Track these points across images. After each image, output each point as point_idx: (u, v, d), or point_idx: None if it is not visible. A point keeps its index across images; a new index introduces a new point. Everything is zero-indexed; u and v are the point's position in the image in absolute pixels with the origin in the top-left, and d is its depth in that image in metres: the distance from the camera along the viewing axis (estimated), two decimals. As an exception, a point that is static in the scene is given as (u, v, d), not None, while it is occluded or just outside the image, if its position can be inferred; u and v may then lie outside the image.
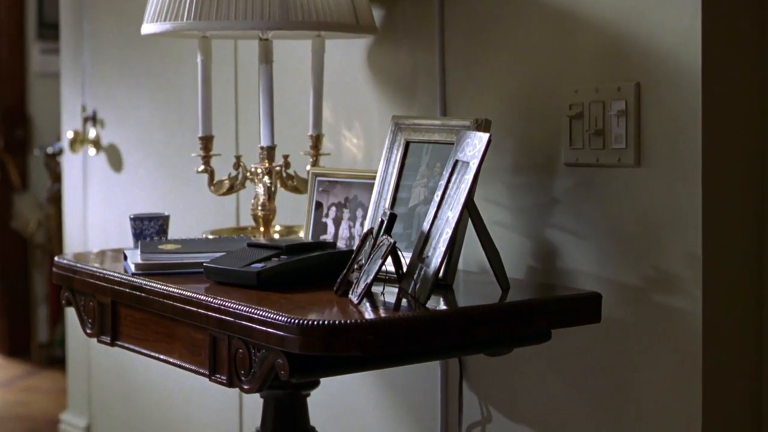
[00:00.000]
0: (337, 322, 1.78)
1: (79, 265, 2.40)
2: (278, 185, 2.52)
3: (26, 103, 6.25)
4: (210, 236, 2.53)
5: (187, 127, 3.25)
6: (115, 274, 2.27)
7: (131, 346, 2.27)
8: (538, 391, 2.25)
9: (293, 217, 2.74)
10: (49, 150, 5.71)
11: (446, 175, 2.06)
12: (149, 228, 2.47)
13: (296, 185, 2.57)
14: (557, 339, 2.12)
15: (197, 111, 2.48)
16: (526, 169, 2.26)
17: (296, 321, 1.80)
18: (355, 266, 2.05)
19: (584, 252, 2.14)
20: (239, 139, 3.08)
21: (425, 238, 2.04)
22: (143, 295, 2.16)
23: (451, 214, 1.96)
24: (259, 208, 2.53)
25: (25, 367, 5.96)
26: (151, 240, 2.41)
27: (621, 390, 2.09)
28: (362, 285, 1.92)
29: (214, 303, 1.98)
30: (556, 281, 2.19)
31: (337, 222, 2.40)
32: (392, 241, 1.92)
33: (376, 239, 2.05)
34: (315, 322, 1.78)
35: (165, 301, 2.10)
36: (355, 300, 1.92)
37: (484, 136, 1.96)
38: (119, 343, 2.32)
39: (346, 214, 2.39)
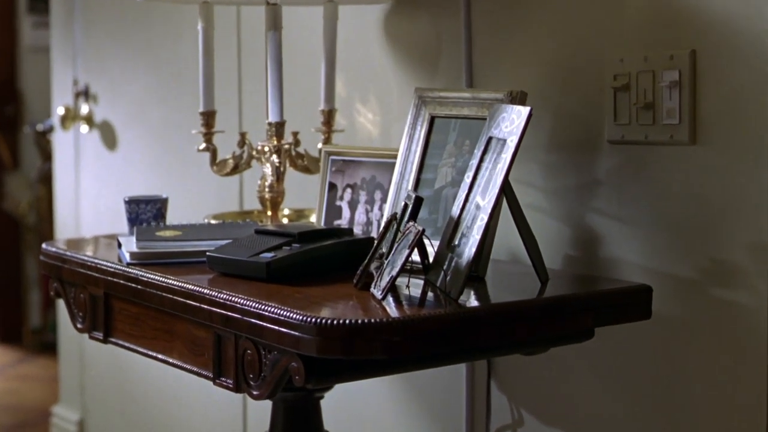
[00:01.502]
0: (359, 321, 1.59)
1: (68, 253, 2.20)
2: (287, 165, 2.31)
3: (17, 79, 6.08)
4: (213, 221, 2.33)
5: (186, 101, 3.09)
6: (108, 264, 2.08)
7: (126, 344, 2.08)
8: (576, 393, 2.06)
9: (303, 200, 2.55)
10: (39, 127, 5.52)
11: (478, 153, 1.86)
12: (146, 212, 2.28)
13: (307, 165, 2.38)
14: (599, 336, 1.92)
15: (197, 84, 2.33)
16: (564, 147, 2.06)
17: (313, 320, 1.60)
18: (377, 256, 1.85)
19: (630, 240, 1.95)
20: (243, 114, 2.91)
21: (455, 225, 1.84)
22: (139, 287, 1.98)
23: (486, 198, 1.75)
24: (267, 189, 2.34)
25: (17, 354, 5.80)
26: (148, 225, 2.21)
27: (672, 395, 1.89)
28: (387, 278, 1.72)
29: (219, 298, 1.78)
30: (598, 272, 2.00)
31: (352, 205, 2.21)
32: (420, 228, 1.72)
33: (399, 225, 1.85)
34: (334, 322, 1.59)
35: (163, 294, 1.91)
36: (378, 295, 1.72)
37: (524, 110, 1.75)
38: (113, 339, 2.13)
39: (362, 196, 2.20)
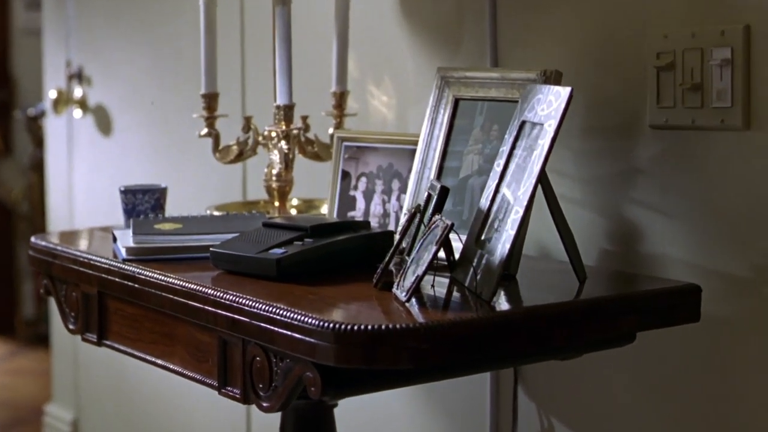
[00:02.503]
0: (382, 327, 1.43)
1: (59, 247, 2.06)
2: (296, 152, 2.16)
3: (9, 63, 5.95)
4: (216, 213, 2.18)
5: (186, 84, 2.96)
6: (102, 260, 1.93)
7: (122, 347, 1.94)
8: (613, 401, 1.90)
9: (311, 189, 2.41)
10: (31, 112, 5.36)
11: (509, 139, 1.70)
12: (143, 202, 2.15)
13: (317, 151, 2.23)
14: (640, 339, 1.77)
15: (198, 65, 2.21)
16: (600, 132, 1.90)
17: (330, 325, 1.45)
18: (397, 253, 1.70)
19: (674, 234, 1.80)
20: (246, 98, 2.77)
21: (484, 218, 1.68)
22: (136, 286, 1.83)
23: (521, 188, 1.59)
24: (274, 178, 2.19)
25: (10, 346, 5.66)
26: (146, 217, 2.07)
27: (722, 407, 1.74)
28: (411, 278, 1.56)
29: (225, 299, 1.63)
30: (638, 270, 1.85)
31: (367, 195, 2.05)
32: (449, 222, 1.56)
33: (422, 218, 1.69)
34: (355, 327, 1.44)
35: (163, 294, 1.77)
36: (402, 297, 1.56)
37: (563, 91, 1.59)
38: (107, 342, 1.99)
39: (378, 185, 2.04)
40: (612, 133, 1.89)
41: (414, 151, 1.97)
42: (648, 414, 1.86)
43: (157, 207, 2.16)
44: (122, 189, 2.17)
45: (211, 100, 2.21)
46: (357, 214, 2.07)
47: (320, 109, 2.30)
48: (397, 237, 1.88)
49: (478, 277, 1.61)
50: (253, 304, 1.58)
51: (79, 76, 3.56)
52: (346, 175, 2.10)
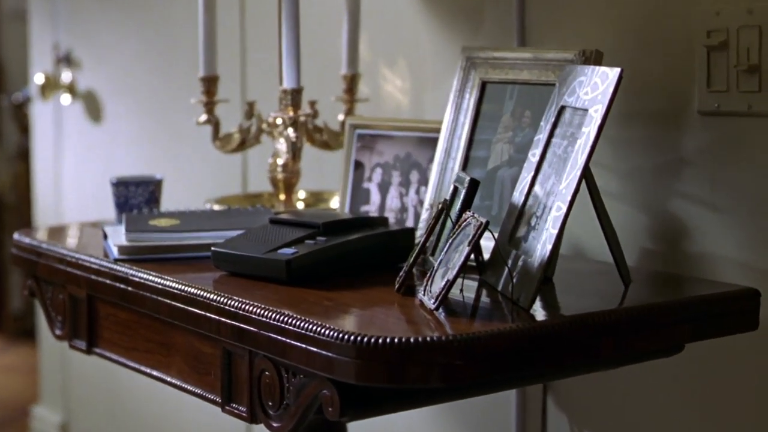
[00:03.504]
0: (412, 340, 1.27)
1: (44, 245, 1.90)
2: (303, 140, 2.01)
3: (-4, 47, 5.77)
4: (216, 207, 2.02)
5: (182, 67, 2.85)
6: (92, 260, 1.79)
7: (114, 356, 1.80)
8: (656, 414, 1.75)
9: (319, 181, 2.27)
10: (17, 98, 5.20)
11: (546, 127, 1.54)
12: (136, 196, 2.01)
13: (326, 140, 2.07)
14: (687, 347, 1.61)
15: (195, 46, 2.08)
16: (642, 119, 1.74)
17: (351, 338, 1.29)
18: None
19: (725, 232, 1.65)
20: (246, 82, 2.62)
21: (518, 214, 1.52)
22: (129, 289, 1.68)
23: (563, 181, 1.43)
24: (279, 169, 2.03)
25: (-4, 342, 5.49)
26: (140, 212, 1.92)
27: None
28: (441, 282, 1.40)
29: (229, 305, 1.47)
30: (684, 271, 1.70)
31: (383, 188, 1.90)
32: (483, 220, 1.40)
33: (447, 214, 1.53)
34: (380, 341, 1.27)
35: (159, 298, 1.62)
36: (430, 304, 1.40)
37: (612, 72, 1.43)
38: (98, 350, 1.85)
39: (395, 177, 1.88)
40: (655, 120, 1.73)
41: (435, 140, 1.82)
42: (695, 427, 1.70)
43: (152, 200, 2.02)
44: (114, 181, 2.02)
45: (210, 84, 2.08)
46: (371, 208, 1.92)
47: (329, 94, 2.14)
48: (419, 235, 1.73)
49: (514, 280, 1.45)
50: (262, 311, 1.43)
51: (67, 60, 3.46)
52: (359, 165, 1.95)
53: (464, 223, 1.45)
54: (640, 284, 1.60)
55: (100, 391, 3.36)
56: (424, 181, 1.85)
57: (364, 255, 1.63)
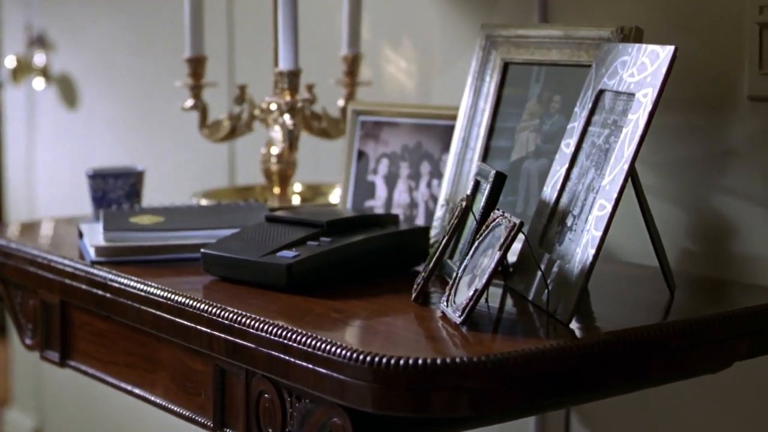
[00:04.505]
0: (439, 361, 1.10)
1: (13, 245, 1.74)
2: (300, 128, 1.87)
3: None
4: (204, 202, 1.86)
5: (164, 47, 2.72)
6: (66, 262, 1.64)
7: (90, 370, 1.64)
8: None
9: (315, 173, 2.13)
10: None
11: (583, 113, 1.38)
12: (115, 189, 1.86)
13: (325, 127, 1.91)
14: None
15: (179, 25, 1.95)
16: (682, 105, 1.60)
17: (369, 358, 1.12)
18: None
19: (779, 231, 1.48)
20: (235, 62, 2.48)
21: (550, 213, 1.36)
22: (108, 295, 1.53)
23: (607, 176, 1.27)
24: (274, 160, 1.88)
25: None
26: (119, 208, 1.77)
27: None
28: (468, 291, 1.23)
29: (223, 317, 1.31)
30: (730, 275, 1.55)
31: (390, 181, 1.74)
32: (516, 221, 1.23)
33: (466, 211, 1.36)
34: (401, 362, 1.10)
35: (142, 307, 1.46)
36: (456, 317, 1.23)
37: (663, 51, 1.27)
38: (72, 363, 1.69)
39: (404, 169, 1.72)
40: (698, 106, 1.58)
41: (448, 128, 1.67)
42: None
43: (133, 194, 1.86)
44: (90, 173, 1.86)
45: (197, 66, 1.92)
46: (377, 203, 1.76)
47: (327, 76, 1.98)
48: (433, 234, 1.56)
49: (549, 288, 1.28)
50: (261, 325, 1.26)
51: (40, 41, 3.36)
52: (362, 155, 1.78)
53: (493, 223, 1.28)
54: (684, 291, 1.44)
55: (77, 393, 3.24)
56: (436, 173, 1.68)
57: (374, 258, 1.47)
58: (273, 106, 1.85)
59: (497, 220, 1.27)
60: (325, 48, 2.08)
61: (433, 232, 1.57)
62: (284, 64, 1.75)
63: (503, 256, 1.22)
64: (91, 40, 3.11)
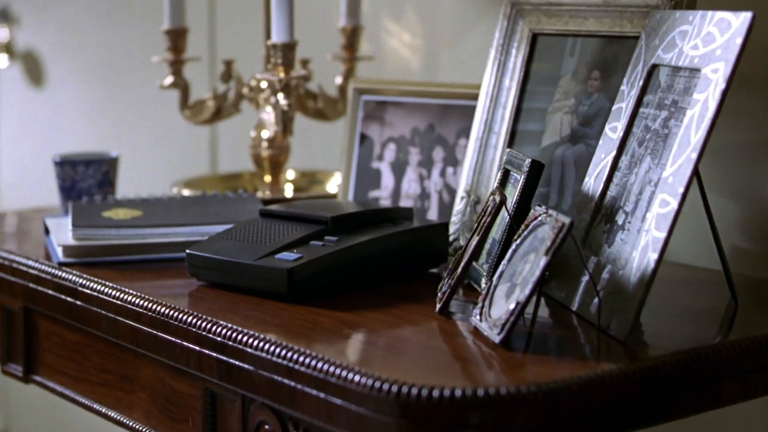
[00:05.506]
0: (480, 393, 0.92)
1: (-32, 243, 1.55)
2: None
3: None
4: (187, 192, 1.71)
5: (139, 20, 2.60)
6: (30, 263, 1.47)
7: (58, 388, 1.47)
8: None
9: (307, 159, 1.97)
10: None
11: (632, 92, 1.21)
12: (86, 178, 1.71)
13: (321, 108, 1.75)
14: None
15: None
16: (737, 81, 1.39)
17: (394, 388, 0.95)
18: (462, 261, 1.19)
19: None
20: (216, 35, 2.34)
21: (594, 208, 1.19)
22: (78, 303, 1.36)
23: (670, 167, 1.10)
24: (265, 144, 1.75)
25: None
26: (90, 200, 1.61)
27: None
28: (508, 304, 1.05)
29: (214, 332, 1.14)
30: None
31: (397, 168, 1.58)
32: (566, 221, 1.05)
33: (499, 207, 1.19)
34: (434, 394, 0.93)
35: (118, 318, 1.29)
36: (494, 335, 1.05)
37: (738, 19, 1.09)
38: (37, 378, 1.52)
39: (413, 155, 1.56)
40: (756, 83, 1.41)
41: (466, 109, 1.50)
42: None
43: (106, 184, 1.70)
44: (58, 159, 1.71)
45: (177, 39, 1.79)
46: (383, 194, 1.60)
47: (323, 51, 1.83)
48: (452, 231, 1.38)
49: (599, 298, 1.10)
50: (261, 343, 1.09)
51: (3, 15, 3.26)
52: (365, 139, 1.60)
53: (534, 222, 1.10)
54: (744, 298, 1.26)
55: (45, 395, 3.05)
56: (451, 160, 1.51)
57: (388, 260, 1.29)
58: (264, 84, 1.70)
59: (540, 218, 1.09)
60: (320, 19, 1.94)
61: (452, 229, 1.39)
62: (278, 36, 1.59)
63: (549, 262, 1.04)
64: (58, 12, 3.01)
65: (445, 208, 1.50)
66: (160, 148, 2.52)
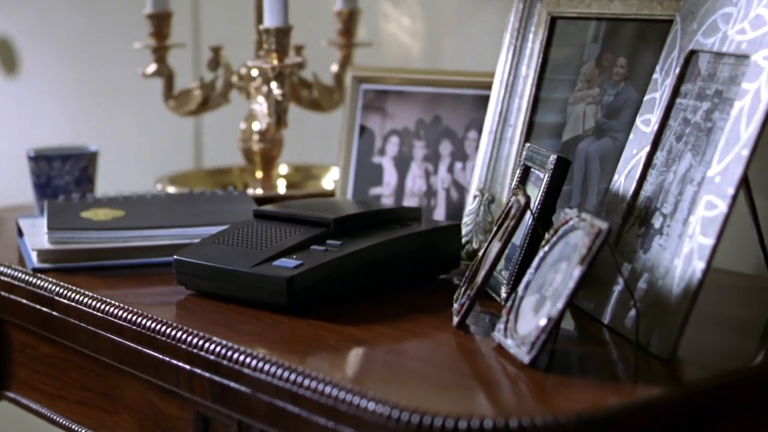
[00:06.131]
0: (512, 425, 0.82)
1: (-66, 246, 1.45)
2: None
3: None
4: (172, 190, 1.62)
5: (119, 3, 2.52)
6: (1, 269, 1.36)
7: (33, 405, 1.37)
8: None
9: (299, 153, 1.88)
10: None
11: (667, 81, 1.12)
12: (63, 174, 1.62)
13: (316, 98, 1.66)
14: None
15: None
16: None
17: (416, 419, 0.85)
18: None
19: None
20: (200, 19, 2.26)
21: (626, 210, 1.09)
22: (54, 313, 1.26)
23: (715, 165, 1.00)
24: (256, 137, 1.66)
25: None
26: (68, 199, 1.53)
27: None
28: (538, 320, 0.95)
29: (207, 350, 1.04)
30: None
31: (401, 164, 1.49)
32: (603, 226, 0.94)
33: (524, 209, 1.09)
34: (459, 425, 0.82)
35: (99, 332, 1.19)
36: (523, 355, 0.95)
37: (791, -2, 0.98)
38: (11, 395, 1.42)
39: (418, 149, 1.47)
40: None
41: (477, 99, 1.42)
42: None
43: (84, 181, 1.61)
44: (32, 154, 1.63)
45: (161, 23, 1.71)
46: (385, 191, 1.51)
47: (317, 37, 1.74)
48: (464, 233, 1.28)
49: (634, 311, 1.00)
50: (260, 364, 0.98)
51: None
52: (364, 131, 1.51)
53: (565, 227, 0.99)
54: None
55: (18, 411, 2.96)
56: (460, 154, 1.41)
57: (397, 266, 1.19)
58: (255, 72, 1.61)
59: (572, 222, 0.99)
60: (314, 2, 1.86)
61: (464, 230, 1.29)
62: (271, 20, 1.49)
63: (586, 273, 0.93)
64: (33, -4, 2.92)
65: (453, 207, 1.40)
66: (143, 142, 2.44)
